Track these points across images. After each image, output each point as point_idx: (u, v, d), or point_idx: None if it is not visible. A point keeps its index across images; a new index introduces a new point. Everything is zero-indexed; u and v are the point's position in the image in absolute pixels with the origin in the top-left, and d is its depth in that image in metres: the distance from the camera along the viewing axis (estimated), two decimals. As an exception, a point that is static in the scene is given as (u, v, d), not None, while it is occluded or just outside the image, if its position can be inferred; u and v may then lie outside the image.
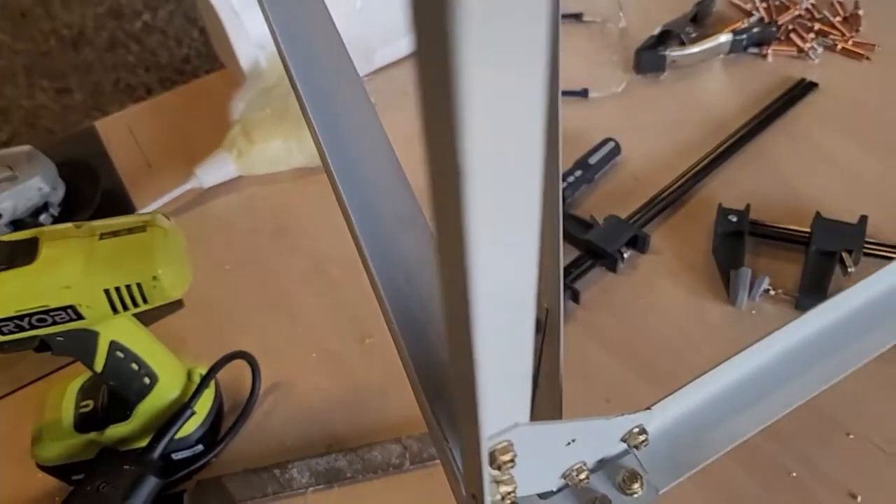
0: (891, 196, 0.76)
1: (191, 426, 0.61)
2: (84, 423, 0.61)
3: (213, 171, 0.83)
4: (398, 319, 0.35)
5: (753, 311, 0.69)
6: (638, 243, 0.73)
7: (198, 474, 0.63)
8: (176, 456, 0.62)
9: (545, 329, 0.37)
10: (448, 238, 0.19)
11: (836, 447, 0.60)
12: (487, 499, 0.25)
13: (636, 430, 0.33)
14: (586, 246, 0.73)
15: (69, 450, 0.60)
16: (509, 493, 0.28)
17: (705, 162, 0.80)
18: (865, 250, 0.70)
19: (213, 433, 0.64)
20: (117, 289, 0.50)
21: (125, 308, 0.51)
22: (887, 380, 0.64)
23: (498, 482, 0.26)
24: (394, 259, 0.38)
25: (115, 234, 0.50)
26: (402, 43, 0.92)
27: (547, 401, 0.35)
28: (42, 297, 0.49)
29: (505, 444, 0.26)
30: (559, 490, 0.33)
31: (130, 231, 0.50)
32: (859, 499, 0.57)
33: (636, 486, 0.33)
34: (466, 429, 0.25)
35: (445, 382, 0.35)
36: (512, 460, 0.26)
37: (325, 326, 0.72)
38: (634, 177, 0.82)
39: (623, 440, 0.33)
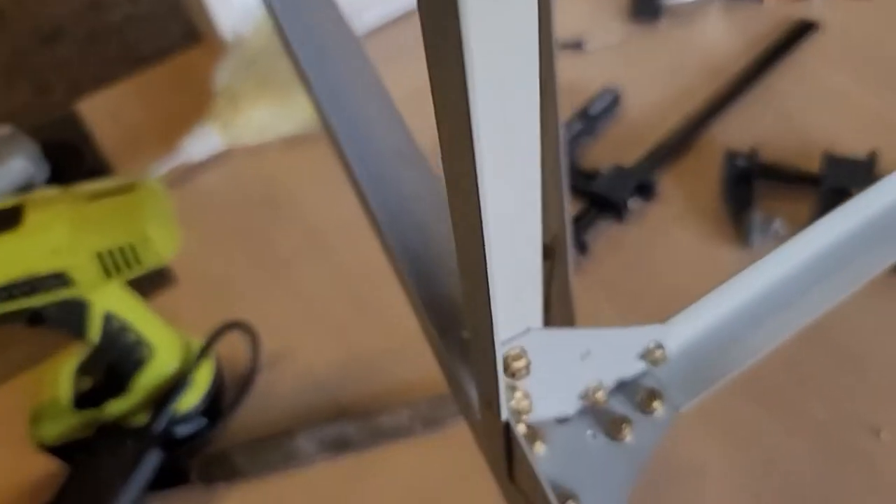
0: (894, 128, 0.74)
1: (192, 399, 0.60)
2: (83, 400, 0.59)
3: (200, 144, 0.80)
4: (408, 255, 0.33)
5: (766, 253, 0.66)
6: (644, 191, 0.71)
7: (203, 448, 0.61)
8: (179, 430, 0.60)
9: (554, 255, 0.35)
10: (458, 162, 0.18)
11: (857, 385, 0.58)
12: (503, 405, 0.23)
13: (653, 345, 0.31)
14: (591, 197, 0.71)
15: (69, 428, 0.59)
16: (525, 413, 0.27)
17: (709, 106, 0.77)
18: (877, 185, 0.68)
19: (216, 406, 0.62)
20: (109, 251, 0.48)
21: (118, 271, 0.49)
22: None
23: (513, 389, 0.24)
24: (393, 196, 0.36)
25: (102, 195, 0.48)
26: (390, 3, 0.90)
27: (559, 324, 0.33)
28: (30, 264, 0.47)
29: (518, 350, 0.24)
30: (577, 413, 0.31)
31: (118, 192, 0.48)
32: (882, 434, 0.55)
33: (656, 404, 0.31)
34: (480, 338, 0.23)
35: (455, 312, 0.33)
36: (526, 367, 0.24)
37: (324, 295, 0.70)
38: (636, 126, 0.79)
39: (641, 358, 0.31)
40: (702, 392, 0.31)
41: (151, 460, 0.56)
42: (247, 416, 0.63)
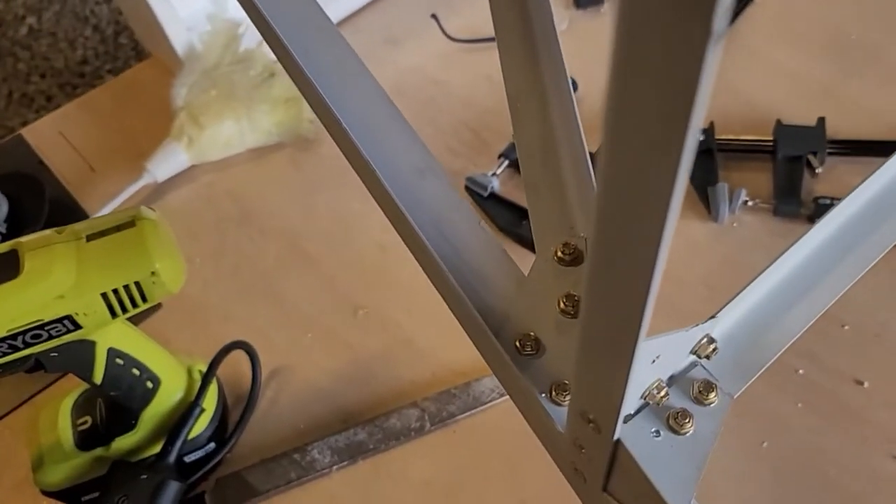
0: (842, 94, 0.79)
1: (201, 425, 0.59)
2: (85, 440, 0.58)
3: (165, 164, 0.79)
4: (449, 266, 0.34)
5: (735, 224, 0.70)
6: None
7: (215, 472, 0.61)
8: (189, 458, 0.60)
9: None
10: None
11: (835, 340, 0.62)
12: (619, 425, 0.24)
13: (705, 340, 0.33)
14: (563, 184, 0.73)
15: (75, 470, 0.57)
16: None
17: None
18: (829, 150, 0.73)
19: (223, 429, 0.62)
20: (115, 291, 0.47)
21: (124, 311, 0.48)
22: (870, 270, 0.66)
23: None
24: (423, 208, 0.37)
25: (102, 233, 0.47)
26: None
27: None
28: (35, 312, 0.46)
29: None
30: (637, 412, 0.33)
31: (118, 228, 0.47)
32: (866, 384, 0.60)
33: (712, 395, 0.33)
34: (612, 363, 0.23)
35: (502, 317, 0.34)
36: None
37: (313, 305, 0.70)
38: (594, 112, 0.82)
39: (693, 352, 0.33)
40: (751, 377, 0.34)
41: (170, 492, 0.55)
42: (255, 437, 0.63)
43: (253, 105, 0.77)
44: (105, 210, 0.77)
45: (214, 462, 0.60)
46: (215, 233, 0.77)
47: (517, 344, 0.34)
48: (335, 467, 0.60)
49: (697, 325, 0.32)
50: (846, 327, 0.63)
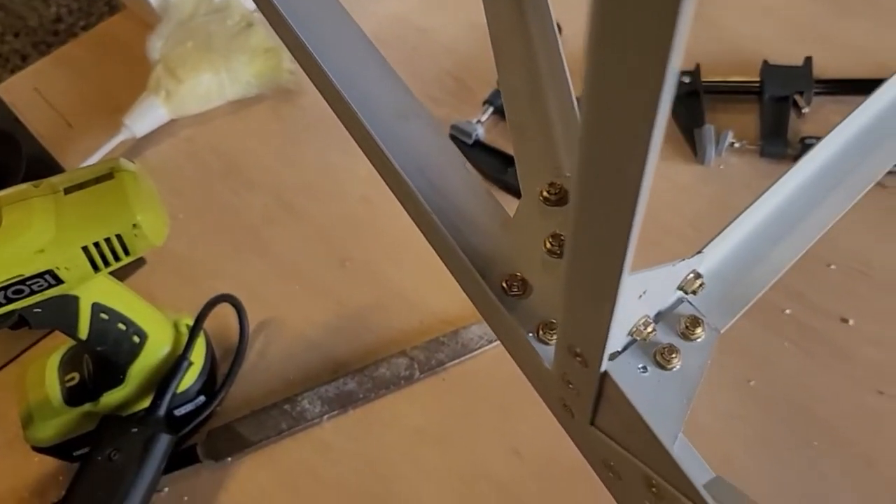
0: (829, 34, 0.78)
1: (189, 378, 0.59)
2: (74, 396, 0.58)
3: (144, 118, 0.77)
4: (434, 208, 0.34)
5: (722, 166, 0.70)
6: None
7: (206, 425, 0.61)
8: (179, 412, 0.60)
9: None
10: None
11: (821, 279, 0.62)
12: (606, 357, 0.24)
13: (691, 275, 0.33)
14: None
15: (65, 426, 0.57)
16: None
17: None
18: (816, 90, 0.72)
19: (212, 382, 0.62)
20: (96, 244, 0.46)
21: (106, 264, 0.48)
22: (853, 209, 0.66)
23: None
24: (407, 152, 0.36)
25: (80, 186, 0.46)
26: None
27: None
28: (15, 267, 0.45)
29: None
30: (625, 348, 0.33)
31: (97, 181, 0.46)
32: (851, 321, 0.60)
33: (699, 330, 0.33)
34: (598, 293, 0.23)
35: (488, 260, 0.34)
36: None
37: (300, 257, 0.70)
38: (579, 56, 0.80)
39: (680, 288, 0.33)
40: (738, 312, 0.34)
41: (161, 444, 0.55)
42: (244, 389, 0.63)
43: (231, 56, 0.76)
44: (84, 165, 0.76)
45: (205, 415, 0.60)
46: (198, 187, 0.76)
47: (504, 285, 0.34)
48: (326, 417, 0.61)
49: (683, 259, 0.32)
50: (832, 267, 0.63)
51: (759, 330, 0.60)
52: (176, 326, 0.60)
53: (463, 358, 0.62)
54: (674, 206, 0.68)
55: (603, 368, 0.25)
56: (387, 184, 0.37)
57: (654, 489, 0.26)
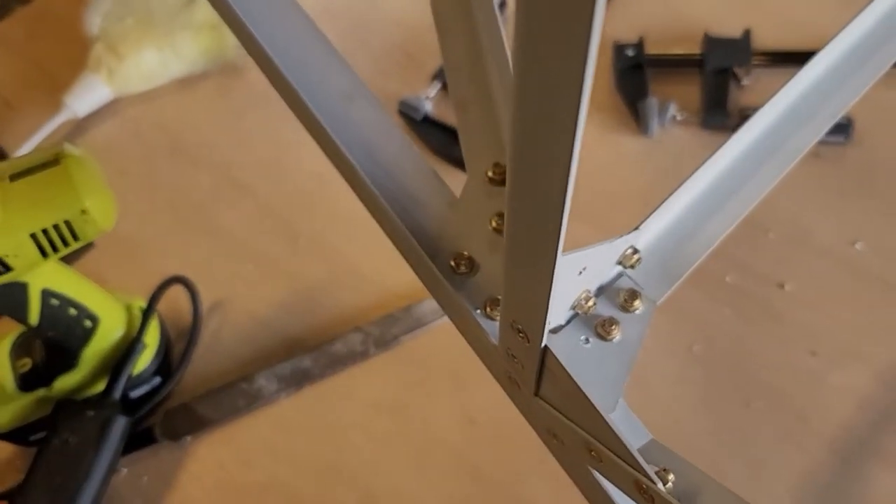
0: (769, 6, 0.80)
1: (144, 361, 0.59)
2: (27, 381, 0.58)
3: (85, 97, 0.76)
4: (381, 190, 0.35)
5: (665, 138, 0.72)
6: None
7: (163, 406, 0.61)
8: (134, 394, 0.60)
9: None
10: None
11: (760, 247, 0.65)
12: (546, 332, 0.26)
13: (629, 250, 0.35)
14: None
15: (20, 412, 0.57)
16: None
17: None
18: (755, 62, 0.74)
19: (167, 364, 0.62)
20: (45, 231, 0.46)
21: (55, 250, 0.48)
22: (791, 178, 0.69)
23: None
24: (353, 134, 0.37)
25: (26, 172, 0.46)
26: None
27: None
28: (-40, 256, 0.45)
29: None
30: (568, 321, 0.34)
31: (43, 167, 0.46)
32: (787, 287, 0.63)
33: (637, 302, 0.34)
34: (536, 269, 0.24)
35: (436, 240, 0.35)
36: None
37: (252, 236, 0.70)
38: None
39: (619, 263, 0.35)
40: (673, 284, 0.35)
41: (117, 427, 0.56)
42: (200, 369, 0.63)
43: (174, 32, 0.75)
44: (25, 148, 0.75)
45: (161, 396, 0.60)
46: (145, 167, 0.75)
47: (452, 263, 0.35)
48: (283, 394, 0.61)
49: (621, 236, 0.33)
50: (771, 235, 0.66)
51: (702, 298, 0.63)
52: (129, 309, 0.60)
53: (417, 332, 0.63)
54: (619, 178, 0.70)
55: (543, 343, 0.26)
56: (334, 165, 0.38)
57: (593, 453, 0.28)
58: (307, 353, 0.63)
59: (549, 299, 0.23)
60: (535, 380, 0.28)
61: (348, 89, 0.40)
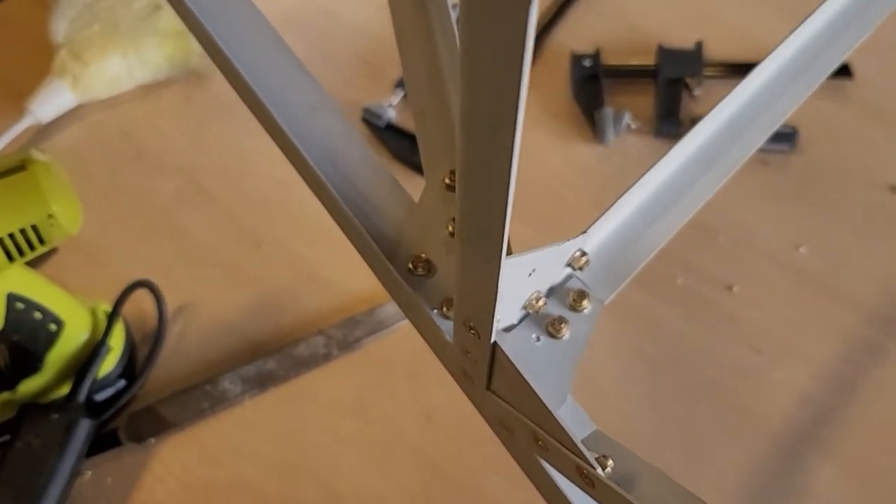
0: (718, 19, 0.83)
1: (109, 364, 0.60)
2: (-10, 385, 0.58)
3: (49, 104, 0.76)
4: (343, 196, 0.36)
5: (620, 146, 0.74)
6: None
7: (127, 408, 0.62)
8: (99, 396, 0.61)
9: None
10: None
11: (711, 250, 0.68)
12: (495, 328, 0.27)
13: (578, 253, 0.37)
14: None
15: (-18, 416, 0.58)
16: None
17: (552, 14, 0.83)
18: (706, 73, 0.77)
19: (132, 367, 0.63)
20: (11, 235, 0.47)
21: (21, 254, 0.48)
22: (741, 185, 0.72)
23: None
24: (316, 143, 0.39)
25: (-9, 178, 0.47)
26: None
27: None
28: (-75, 260, 0.45)
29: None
30: (521, 321, 0.36)
31: (9, 172, 0.47)
32: (735, 289, 0.66)
33: (585, 302, 0.36)
34: (483, 266, 0.26)
35: (395, 243, 0.37)
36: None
37: (215, 240, 0.71)
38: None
39: (568, 265, 0.37)
40: (620, 285, 0.37)
41: (81, 429, 0.56)
42: (164, 372, 0.64)
43: (140, 39, 0.75)
44: (-11, 153, 0.75)
45: (126, 399, 0.61)
46: (109, 173, 0.76)
47: (410, 266, 0.37)
48: (247, 395, 0.62)
49: (569, 239, 0.35)
50: (721, 238, 0.68)
51: (653, 299, 0.65)
52: (94, 313, 0.61)
53: (379, 334, 0.65)
54: (576, 185, 0.72)
55: (493, 339, 0.28)
56: (298, 172, 0.40)
57: (540, 442, 0.29)
58: (271, 356, 0.64)
59: (496, 297, 0.25)
60: (486, 374, 0.30)
61: (311, 99, 0.41)
